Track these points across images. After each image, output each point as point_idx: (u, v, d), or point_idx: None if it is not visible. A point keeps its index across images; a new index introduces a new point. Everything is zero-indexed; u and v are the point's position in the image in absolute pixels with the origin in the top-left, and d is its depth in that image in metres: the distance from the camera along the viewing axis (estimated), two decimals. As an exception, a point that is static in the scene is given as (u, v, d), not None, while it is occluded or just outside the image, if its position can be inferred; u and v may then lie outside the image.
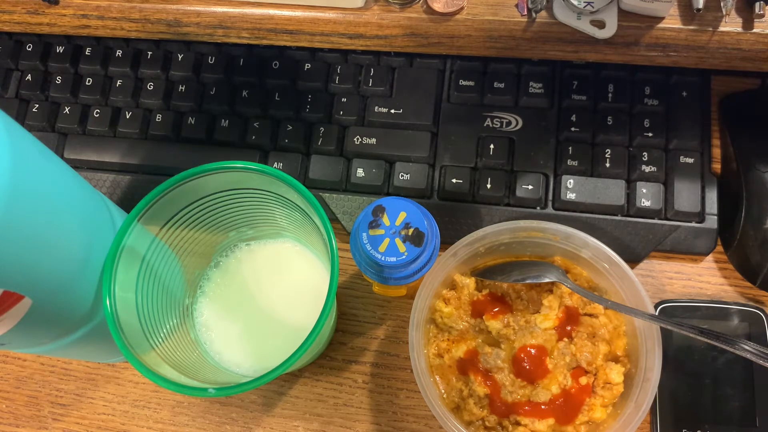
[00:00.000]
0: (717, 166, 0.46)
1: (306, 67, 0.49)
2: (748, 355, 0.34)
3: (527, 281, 0.41)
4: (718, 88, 0.48)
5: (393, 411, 0.44)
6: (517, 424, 0.39)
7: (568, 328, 0.41)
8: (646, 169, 0.45)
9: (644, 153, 0.45)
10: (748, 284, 0.44)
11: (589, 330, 0.41)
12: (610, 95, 0.47)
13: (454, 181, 0.46)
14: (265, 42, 0.47)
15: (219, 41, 0.48)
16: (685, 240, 0.44)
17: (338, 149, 0.48)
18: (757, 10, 0.40)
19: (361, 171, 0.47)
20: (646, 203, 0.44)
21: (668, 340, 0.42)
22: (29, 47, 0.52)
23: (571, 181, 0.45)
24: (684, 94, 0.47)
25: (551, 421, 0.39)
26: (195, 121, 0.49)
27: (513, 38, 0.43)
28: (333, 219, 0.47)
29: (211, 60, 0.50)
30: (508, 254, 0.43)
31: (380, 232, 0.36)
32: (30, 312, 0.30)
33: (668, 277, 0.45)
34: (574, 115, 0.47)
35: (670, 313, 0.43)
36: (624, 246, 0.44)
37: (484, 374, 0.40)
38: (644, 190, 0.45)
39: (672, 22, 0.41)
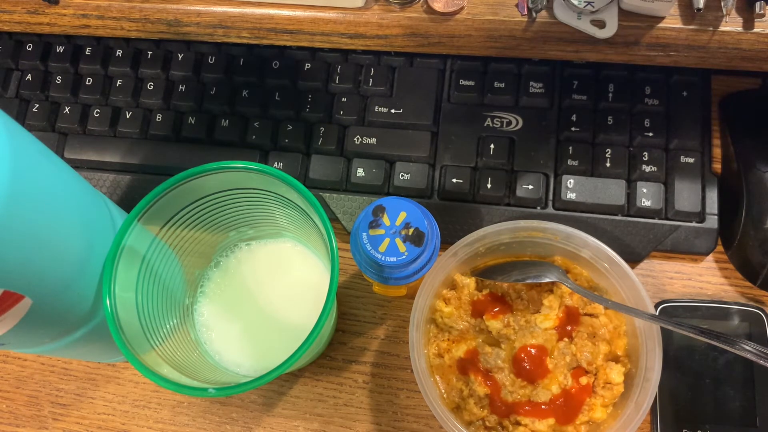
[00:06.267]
0: (717, 166, 0.46)
1: (306, 66, 0.49)
2: (749, 355, 0.34)
3: (527, 281, 0.41)
4: (719, 88, 0.48)
5: (393, 411, 0.44)
6: (518, 424, 0.39)
7: (569, 327, 0.41)
8: (647, 168, 0.45)
9: (644, 153, 0.45)
10: (749, 284, 0.44)
11: (590, 330, 0.41)
12: (610, 95, 0.47)
13: (454, 180, 0.46)
14: (265, 42, 0.47)
15: (219, 41, 0.48)
16: (686, 240, 0.44)
17: (338, 149, 0.48)
18: (757, 10, 0.40)
19: (362, 171, 0.47)
20: (646, 203, 0.44)
21: (669, 340, 0.42)
22: (29, 47, 0.52)
23: (572, 180, 0.45)
24: (684, 93, 0.47)
25: (551, 421, 0.39)
26: (195, 120, 0.49)
27: (513, 38, 0.43)
28: (333, 219, 0.47)
29: (211, 60, 0.50)
30: (508, 254, 0.43)
31: (380, 232, 0.36)
32: (30, 312, 0.30)
33: (668, 277, 0.45)
34: (574, 115, 0.47)
35: (670, 313, 0.43)
36: (624, 246, 0.44)
37: (484, 374, 0.40)
38: (644, 190, 0.45)
39: (672, 21, 0.41)
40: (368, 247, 0.36)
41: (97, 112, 0.50)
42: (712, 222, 0.44)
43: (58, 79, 0.51)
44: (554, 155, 0.46)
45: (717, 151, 0.47)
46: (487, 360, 0.40)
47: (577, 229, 0.40)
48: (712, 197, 0.45)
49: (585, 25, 0.42)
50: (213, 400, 0.45)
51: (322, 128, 0.48)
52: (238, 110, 0.49)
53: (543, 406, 0.39)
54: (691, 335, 0.35)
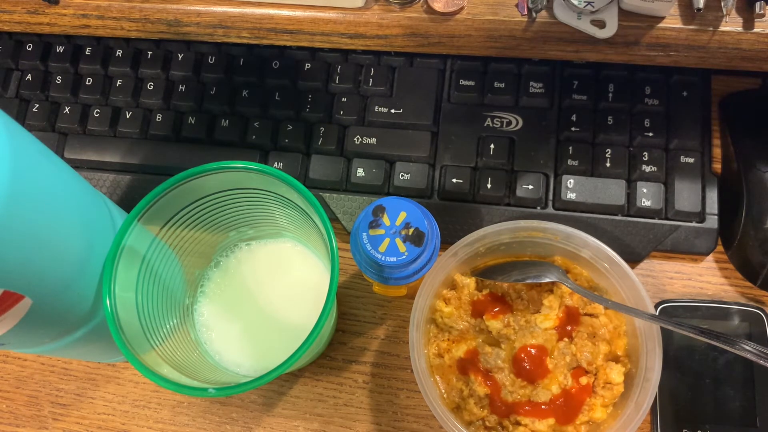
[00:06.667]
0: (717, 166, 0.46)
1: (306, 66, 0.49)
2: (749, 355, 0.34)
3: (527, 281, 0.41)
4: (719, 88, 0.48)
5: (393, 411, 0.44)
6: (518, 424, 0.39)
7: (569, 328, 0.41)
8: (647, 168, 0.45)
9: (645, 153, 0.45)
10: (749, 284, 0.44)
11: (590, 330, 0.41)
12: (610, 95, 0.47)
13: (454, 180, 0.46)
14: (265, 42, 0.47)
15: (219, 41, 0.48)
16: (686, 240, 0.44)
17: (338, 149, 0.48)
18: (757, 10, 0.40)
19: (362, 171, 0.47)
20: (646, 203, 0.44)
21: (669, 340, 0.42)
22: (29, 47, 0.52)
23: (572, 180, 0.45)
24: (684, 93, 0.47)
25: (551, 421, 0.39)
26: (195, 120, 0.49)
27: (513, 38, 0.43)
28: (333, 219, 0.47)
29: (211, 60, 0.50)
30: (508, 254, 0.43)
31: (380, 232, 0.36)
32: (30, 312, 0.30)
33: (668, 277, 0.45)
34: (574, 115, 0.47)
35: (670, 313, 0.43)
36: (624, 246, 0.44)
37: (484, 374, 0.40)
38: (645, 190, 0.45)
39: (672, 21, 0.41)
40: (368, 247, 0.36)
41: (97, 112, 0.50)
42: (712, 222, 0.44)
43: (58, 79, 0.51)
44: (554, 155, 0.46)
45: (717, 151, 0.47)
46: (487, 360, 0.40)
47: (577, 229, 0.40)
48: (712, 197, 0.45)
49: (585, 25, 0.42)
50: (213, 400, 0.45)
51: (322, 128, 0.48)
52: (238, 110, 0.49)
53: (543, 406, 0.39)
54: (691, 335, 0.35)
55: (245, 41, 0.47)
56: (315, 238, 0.40)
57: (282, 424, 0.44)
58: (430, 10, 0.43)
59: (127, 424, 0.45)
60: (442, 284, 0.42)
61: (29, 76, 0.51)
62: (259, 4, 0.45)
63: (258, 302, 0.43)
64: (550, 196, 0.46)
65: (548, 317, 0.41)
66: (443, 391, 0.41)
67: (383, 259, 0.35)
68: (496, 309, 0.41)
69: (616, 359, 0.41)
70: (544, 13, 0.42)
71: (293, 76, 0.49)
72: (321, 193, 0.47)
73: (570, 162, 0.46)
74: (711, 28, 0.41)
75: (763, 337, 0.42)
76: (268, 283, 0.43)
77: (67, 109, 0.50)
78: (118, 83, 0.50)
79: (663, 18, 0.41)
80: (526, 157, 0.46)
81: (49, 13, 0.47)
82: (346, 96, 0.49)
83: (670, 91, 0.47)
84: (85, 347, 0.38)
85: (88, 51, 0.51)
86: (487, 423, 0.40)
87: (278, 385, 0.45)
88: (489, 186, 0.46)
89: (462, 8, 0.43)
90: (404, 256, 0.35)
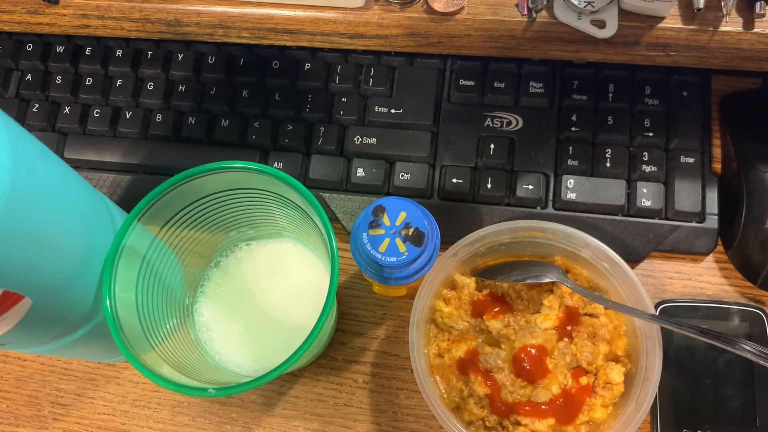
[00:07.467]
0: (717, 166, 0.46)
1: (306, 66, 0.49)
2: (749, 355, 0.34)
3: (527, 281, 0.41)
4: (719, 88, 0.48)
5: (393, 411, 0.44)
6: (518, 424, 0.39)
7: (569, 328, 0.41)
8: (647, 168, 0.45)
9: (645, 153, 0.45)
10: (749, 284, 0.44)
11: (590, 330, 0.41)
12: (610, 95, 0.47)
13: (454, 180, 0.46)
14: (265, 42, 0.47)
15: (219, 41, 0.48)
16: (686, 240, 0.44)
17: (338, 149, 0.48)
18: (757, 10, 0.40)
19: (362, 171, 0.47)
20: (646, 203, 0.44)
21: (669, 340, 0.42)
22: (29, 47, 0.52)
23: (572, 180, 0.45)
24: (684, 93, 0.47)
25: (551, 421, 0.39)
26: (195, 120, 0.49)
27: (513, 38, 0.43)
28: (333, 219, 0.47)
29: (211, 60, 0.50)
30: (508, 254, 0.43)
31: (380, 232, 0.36)
32: (30, 312, 0.30)
33: (668, 277, 0.45)
34: (574, 115, 0.47)
35: (670, 313, 0.43)
36: (624, 246, 0.44)
37: (484, 374, 0.40)
38: (645, 190, 0.45)
39: (672, 21, 0.41)
40: (368, 247, 0.36)
41: (97, 112, 0.50)
42: (712, 222, 0.44)
43: (58, 79, 0.51)
44: (554, 155, 0.46)
45: (717, 151, 0.47)
46: (487, 360, 0.40)
47: (577, 229, 0.40)
48: (712, 197, 0.45)
49: (585, 25, 0.42)
50: (213, 400, 0.45)
51: (322, 128, 0.48)
52: (238, 110, 0.49)
53: (543, 406, 0.39)
54: (691, 335, 0.35)
55: (245, 41, 0.47)
56: (315, 238, 0.40)
57: (282, 424, 0.44)
58: (430, 10, 0.43)
59: (127, 424, 0.45)
60: (442, 284, 0.42)
61: (29, 76, 0.51)
62: (259, 4, 0.45)
63: (258, 302, 0.43)
64: (550, 196, 0.46)
65: (548, 317, 0.41)
66: (443, 391, 0.41)
67: (383, 259, 0.35)
68: (496, 309, 0.41)
69: (616, 359, 0.41)
70: (544, 13, 0.42)
71: (293, 76, 0.49)
72: (321, 193, 0.47)
73: (570, 162, 0.46)
74: (711, 28, 0.41)
75: (763, 337, 0.42)
76: (268, 283, 0.43)
77: (67, 109, 0.50)
78: (118, 83, 0.50)
79: (663, 18, 0.41)
80: (526, 157, 0.46)
81: (49, 13, 0.47)
82: (346, 96, 0.49)
83: (670, 91, 0.47)
84: (85, 347, 0.38)
85: (88, 51, 0.51)
86: (487, 423, 0.40)
87: (278, 385, 0.45)
88: (489, 186, 0.46)
89: (462, 8, 0.43)
90: (404, 256, 0.35)
